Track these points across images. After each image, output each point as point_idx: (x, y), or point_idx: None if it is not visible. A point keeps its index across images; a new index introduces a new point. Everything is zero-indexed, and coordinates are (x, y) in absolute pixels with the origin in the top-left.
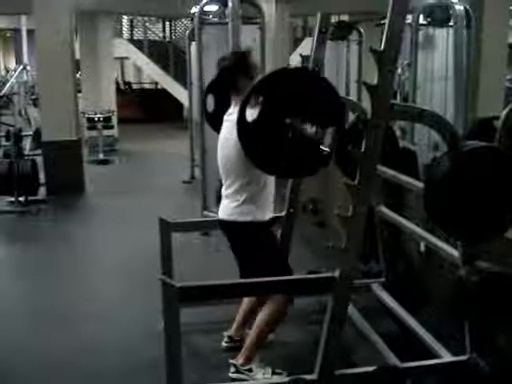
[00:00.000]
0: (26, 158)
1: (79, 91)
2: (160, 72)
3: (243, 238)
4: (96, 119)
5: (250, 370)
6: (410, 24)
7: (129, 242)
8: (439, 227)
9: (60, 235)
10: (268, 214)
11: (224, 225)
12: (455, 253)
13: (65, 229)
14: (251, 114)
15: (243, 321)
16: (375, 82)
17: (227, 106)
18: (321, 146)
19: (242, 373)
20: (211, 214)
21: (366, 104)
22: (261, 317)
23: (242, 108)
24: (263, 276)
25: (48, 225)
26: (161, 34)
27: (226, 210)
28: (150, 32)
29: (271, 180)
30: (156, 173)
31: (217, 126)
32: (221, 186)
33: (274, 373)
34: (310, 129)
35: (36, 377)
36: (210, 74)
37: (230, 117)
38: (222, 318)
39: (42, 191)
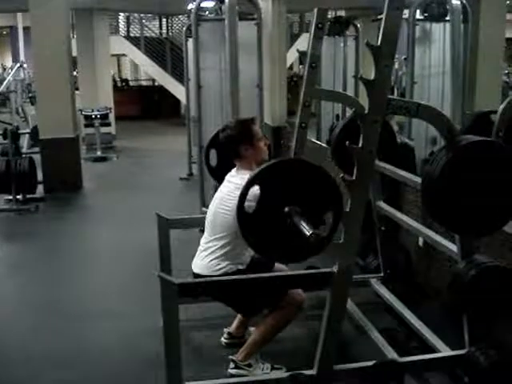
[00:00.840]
0: (24, 156)
1: (76, 89)
2: (157, 69)
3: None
4: (93, 116)
5: (250, 366)
6: (406, 19)
7: (127, 239)
8: (437, 222)
9: (58, 233)
10: (247, 260)
11: (197, 277)
12: (453, 247)
13: (63, 226)
14: (252, 195)
15: (245, 319)
16: (372, 77)
17: (230, 161)
18: (314, 232)
19: (241, 368)
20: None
21: (364, 99)
22: (270, 320)
23: (241, 200)
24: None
25: (46, 222)
26: (157, 31)
27: (200, 265)
28: (146, 29)
29: None
30: (154, 169)
31: (220, 179)
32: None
33: (273, 368)
34: (306, 220)
35: (35, 374)
36: (207, 70)
37: (233, 179)
38: (220, 313)
39: (40, 189)
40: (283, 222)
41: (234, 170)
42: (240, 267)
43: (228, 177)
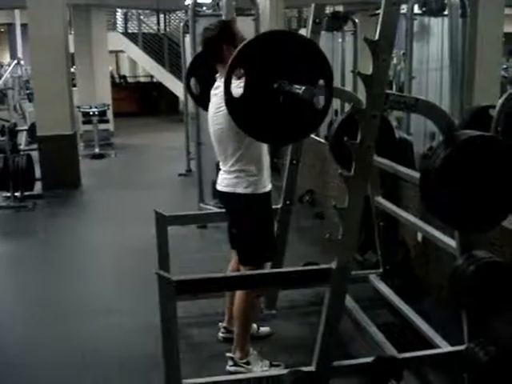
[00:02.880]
0: (22, 153)
1: (74, 85)
2: (155, 65)
3: (239, 208)
4: (91, 113)
5: (248, 363)
6: (404, 14)
7: (125, 236)
8: (436, 217)
9: (56, 230)
10: (267, 187)
11: (222, 196)
12: (452, 242)
13: (61, 223)
14: (237, 85)
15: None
16: (370, 72)
17: (212, 84)
18: (314, 102)
19: (240, 366)
20: (207, 207)
21: (362, 94)
22: (235, 307)
23: (227, 83)
24: (249, 246)
25: (44, 220)
26: (155, 27)
27: (224, 181)
28: (144, 25)
29: (266, 153)
30: (152, 166)
31: (207, 105)
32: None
33: (271, 365)
34: (300, 88)
35: (34, 373)
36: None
37: (217, 90)
38: (219, 309)
39: (38, 186)
40: (274, 99)
41: (216, 82)
42: (265, 183)
43: (212, 91)
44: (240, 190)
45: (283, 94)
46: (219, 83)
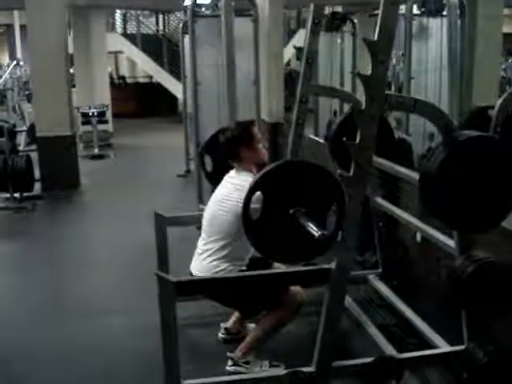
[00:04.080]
0: (21, 153)
1: (73, 86)
2: (154, 66)
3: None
4: (90, 114)
5: (248, 363)
6: (403, 14)
7: (125, 237)
8: (435, 217)
9: (56, 231)
10: (240, 267)
11: None
12: (451, 243)
13: (61, 224)
14: (255, 201)
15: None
16: (369, 72)
17: (225, 165)
18: (323, 232)
19: (239, 366)
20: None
21: (361, 95)
22: (269, 319)
23: (246, 205)
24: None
25: (44, 220)
26: (154, 28)
27: (200, 267)
28: (143, 26)
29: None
30: (151, 167)
31: (216, 183)
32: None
33: (271, 365)
34: (315, 229)
35: (34, 373)
36: (204, 67)
37: (231, 180)
38: (218, 310)
39: (37, 187)
40: (289, 224)
41: (232, 171)
42: (239, 267)
43: (227, 177)
44: (222, 273)
45: (297, 221)
46: (234, 174)
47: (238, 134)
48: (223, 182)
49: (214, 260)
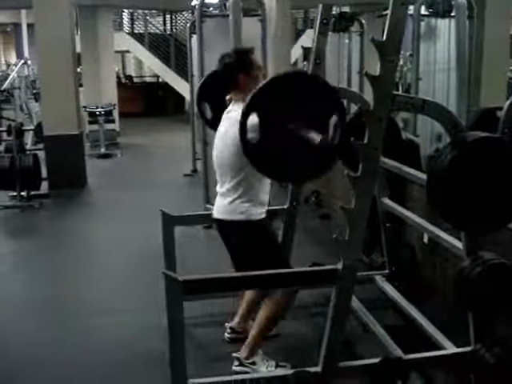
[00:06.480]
0: (28, 152)
1: (80, 85)
2: (161, 65)
3: (239, 236)
4: (97, 113)
5: (254, 363)
6: (411, 15)
7: (131, 236)
8: (443, 219)
9: (63, 229)
10: (264, 212)
11: (219, 224)
12: (459, 244)
13: (67, 223)
14: (250, 126)
15: (246, 313)
16: (377, 73)
17: (224, 109)
18: (323, 137)
19: (245, 366)
20: (213, 207)
21: (369, 95)
22: (262, 313)
23: (242, 131)
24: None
25: (50, 219)
26: (162, 27)
27: (222, 208)
28: (150, 25)
29: (266, 182)
30: (157, 166)
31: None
32: None
33: (277, 365)
34: (316, 137)
35: (37, 372)
36: (211, 67)
37: (229, 114)
38: (225, 310)
39: (44, 186)
40: (290, 139)
41: (229, 106)
42: (262, 210)
43: (224, 114)
44: (237, 217)
45: (297, 134)
46: (231, 108)
47: (235, 59)
48: (222, 121)
49: (233, 200)
